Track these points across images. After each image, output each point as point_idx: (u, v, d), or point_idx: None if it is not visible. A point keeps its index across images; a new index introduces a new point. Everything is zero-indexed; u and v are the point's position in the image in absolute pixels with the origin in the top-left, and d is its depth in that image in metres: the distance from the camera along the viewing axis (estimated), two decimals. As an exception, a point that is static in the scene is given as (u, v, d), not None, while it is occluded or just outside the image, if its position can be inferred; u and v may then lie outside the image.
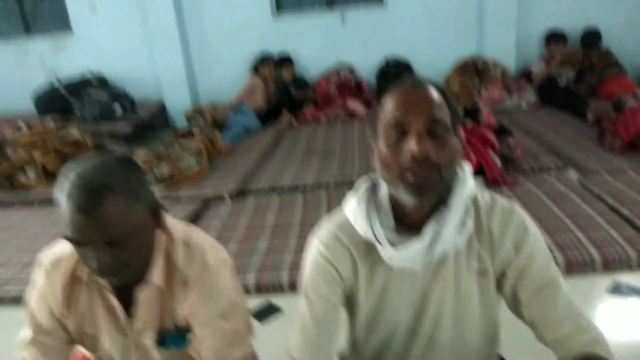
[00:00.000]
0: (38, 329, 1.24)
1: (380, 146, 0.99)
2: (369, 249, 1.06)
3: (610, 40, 5.24)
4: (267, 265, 2.50)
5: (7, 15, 6.05)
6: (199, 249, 1.20)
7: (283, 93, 5.24)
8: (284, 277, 2.38)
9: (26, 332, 1.26)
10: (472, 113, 3.28)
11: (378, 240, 1.01)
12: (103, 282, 1.15)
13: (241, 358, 1.18)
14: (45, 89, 5.48)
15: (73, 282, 1.21)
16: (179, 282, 1.17)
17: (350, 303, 1.13)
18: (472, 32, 5.50)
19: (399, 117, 0.95)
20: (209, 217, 3.17)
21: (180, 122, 5.39)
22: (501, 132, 3.36)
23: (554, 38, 5.19)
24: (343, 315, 1.17)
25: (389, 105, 0.98)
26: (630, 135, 3.47)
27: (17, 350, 1.26)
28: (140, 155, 3.85)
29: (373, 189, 1.10)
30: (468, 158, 3.07)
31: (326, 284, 1.08)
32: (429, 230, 0.98)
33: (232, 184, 3.59)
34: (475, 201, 1.06)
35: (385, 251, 1.01)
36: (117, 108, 5.11)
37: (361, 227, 1.04)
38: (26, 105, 5.61)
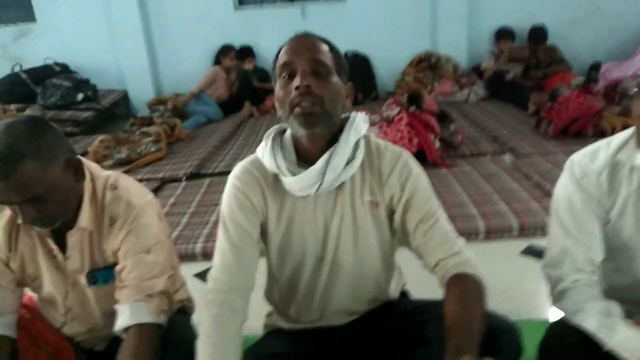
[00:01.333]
0: None
1: (276, 89, 1.16)
2: (276, 183, 1.22)
3: (556, 38, 5.53)
4: (213, 234, 2.65)
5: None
6: (125, 191, 1.32)
7: (244, 83, 5.38)
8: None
9: None
10: (415, 99, 3.49)
11: (281, 172, 1.18)
12: (41, 229, 1.26)
13: (161, 289, 1.30)
14: (8, 77, 5.48)
15: (13, 227, 1.30)
16: (107, 222, 1.29)
17: (263, 235, 1.28)
18: (426, 29, 5.74)
19: (287, 59, 1.13)
20: (163, 197, 3.29)
21: (143, 112, 5.48)
22: (443, 117, 3.59)
23: (503, 35, 5.47)
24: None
25: (281, 53, 1.16)
26: (563, 121, 3.73)
27: None
28: (100, 138, 3.95)
29: (280, 133, 1.27)
30: (410, 140, 3.28)
31: (242, 213, 1.22)
32: (321, 160, 1.15)
33: (189, 167, 3.72)
34: (368, 143, 1.24)
35: (287, 180, 1.18)
36: (79, 96, 5.18)
37: (267, 161, 1.21)
38: (-13, 93, 5.61)
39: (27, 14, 5.92)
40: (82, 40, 5.81)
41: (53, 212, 1.20)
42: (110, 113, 5.48)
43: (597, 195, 1.20)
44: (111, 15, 5.62)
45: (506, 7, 5.66)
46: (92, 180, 1.32)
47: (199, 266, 2.43)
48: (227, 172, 3.61)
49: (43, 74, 5.48)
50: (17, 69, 5.56)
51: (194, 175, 3.64)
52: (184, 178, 3.58)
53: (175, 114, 4.99)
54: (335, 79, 1.15)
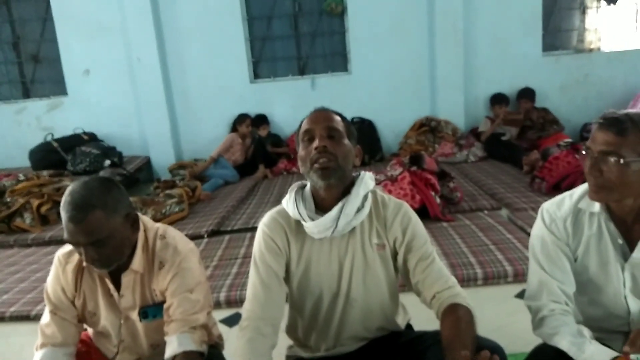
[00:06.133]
0: (54, 307, 1.57)
1: (299, 151, 1.48)
2: (298, 228, 1.50)
3: (548, 102, 5.99)
4: (235, 284, 2.92)
5: (8, 80, 6.64)
6: (172, 240, 1.59)
7: (259, 148, 5.80)
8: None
9: (45, 317, 1.58)
10: (416, 159, 3.84)
11: (302, 218, 1.47)
12: (99, 269, 1.52)
13: (202, 322, 1.55)
14: (40, 145, 5.94)
15: (79, 270, 1.58)
16: (157, 265, 1.55)
17: (286, 274, 1.54)
18: (426, 96, 6.23)
19: (308, 127, 1.46)
20: (188, 252, 3.57)
21: (164, 176, 5.87)
22: (443, 176, 3.91)
23: (498, 100, 5.92)
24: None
25: (303, 123, 1.50)
26: (554, 179, 4.04)
27: (39, 332, 1.57)
28: (128, 201, 4.28)
29: (301, 188, 1.57)
30: (412, 197, 3.58)
31: (270, 254, 1.49)
32: (336, 208, 1.44)
33: (210, 225, 4.03)
34: (375, 196, 1.54)
35: (307, 225, 1.46)
36: (107, 162, 5.59)
37: (291, 209, 1.50)
38: (22, 162, 6.06)
39: (59, 89, 6.49)
40: (110, 112, 6.32)
41: (109, 255, 1.45)
42: (134, 178, 5.86)
43: (563, 237, 1.46)
44: (137, 90, 6.15)
45: (499, 75, 6.14)
46: (145, 230, 1.59)
47: (224, 313, 2.68)
48: (246, 229, 3.98)
49: (73, 142, 5.94)
50: (49, 138, 6.04)
51: (215, 232, 3.94)
52: (206, 235, 3.88)
53: (194, 177, 5.37)
54: (346, 141, 1.46)
